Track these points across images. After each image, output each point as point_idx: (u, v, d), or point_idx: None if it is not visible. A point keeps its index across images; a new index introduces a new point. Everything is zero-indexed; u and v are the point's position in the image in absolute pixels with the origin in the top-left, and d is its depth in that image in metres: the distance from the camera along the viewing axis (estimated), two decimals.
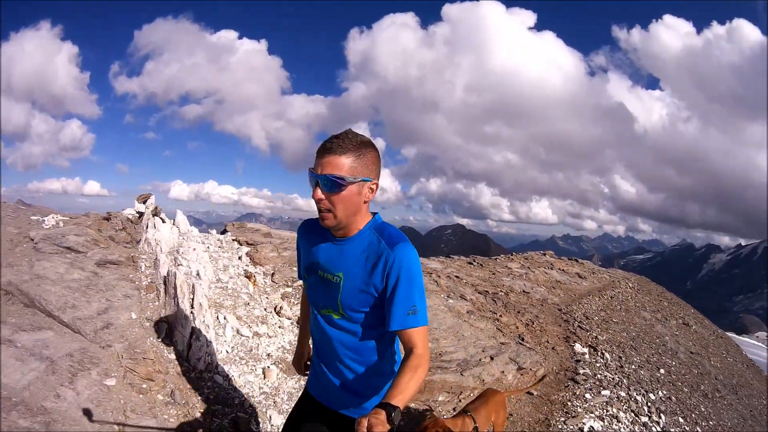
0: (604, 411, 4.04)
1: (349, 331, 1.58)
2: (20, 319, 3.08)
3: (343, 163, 1.42)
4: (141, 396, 2.76)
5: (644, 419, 4.16)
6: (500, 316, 5.75)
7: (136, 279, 3.86)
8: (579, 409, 3.93)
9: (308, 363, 1.97)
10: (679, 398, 5.08)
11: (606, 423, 3.86)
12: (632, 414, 4.16)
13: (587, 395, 4.24)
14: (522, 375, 4.24)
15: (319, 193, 1.45)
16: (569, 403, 4.04)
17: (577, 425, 3.70)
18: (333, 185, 1.43)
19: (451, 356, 4.07)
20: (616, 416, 4.00)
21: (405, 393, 1.31)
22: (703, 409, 5.16)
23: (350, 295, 1.53)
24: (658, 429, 4.12)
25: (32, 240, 4.02)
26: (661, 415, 4.36)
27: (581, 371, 4.74)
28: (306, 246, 1.70)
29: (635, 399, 4.47)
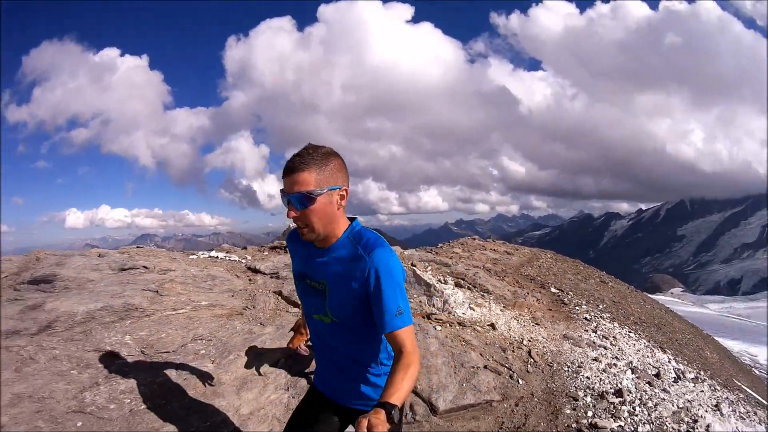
0: (590, 313, 6.60)
1: (342, 334, 1.66)
2: None
3: (309, 178, 1.47)
4: None
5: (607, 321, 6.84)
6: (503, 278, 8.14)
7: None
8: (578, 312, 6.49)
9: (301, 345, 2.15)
10: (620, 323, 6.92)
11: (592, 317, 6.46)
12: (600, 318, 6.75)
13: (576, 308, 6.73)
14: (539, 303, 6.68)
15: (294, 212, 1.51)
16: (572, 309, 6.56)
17: (583, 314, 6.26)
18: (304, 201, 1.48)
19: (516, 294, 6.52)
20: (597, 317, 6.60)
21: (401, 391, 1.35)
22: (637, 327, 7.02)
23: (336, 302, 1.60)
24: (620, 328, 6.79)
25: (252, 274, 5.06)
26: (614, 322, 6.96)
27: (565, 299, 7.26)
28: (293, 255, 1.78)
29: (600, 315, 7.03)
